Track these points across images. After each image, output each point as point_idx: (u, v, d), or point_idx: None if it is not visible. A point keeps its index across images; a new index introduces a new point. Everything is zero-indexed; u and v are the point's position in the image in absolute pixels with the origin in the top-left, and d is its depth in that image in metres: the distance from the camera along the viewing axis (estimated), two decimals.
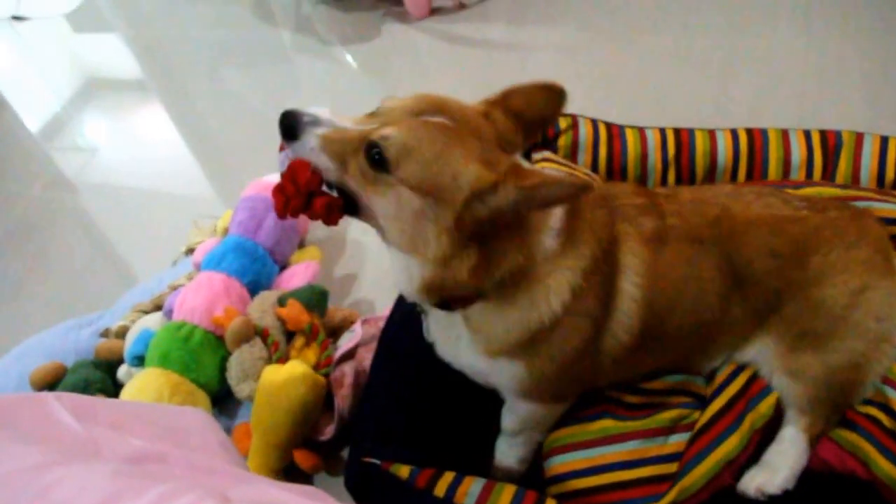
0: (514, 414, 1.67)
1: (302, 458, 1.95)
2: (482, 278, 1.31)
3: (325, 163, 1.26)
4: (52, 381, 2.15)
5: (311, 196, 1.27)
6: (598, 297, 1.43)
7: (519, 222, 1.30)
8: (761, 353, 1.60)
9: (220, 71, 4.13)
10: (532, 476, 1.74)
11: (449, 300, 1.38)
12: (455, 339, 1.52)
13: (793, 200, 1.57)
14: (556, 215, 1.36)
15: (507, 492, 1.52)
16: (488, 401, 1.69)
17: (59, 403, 1.12)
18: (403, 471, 1.57)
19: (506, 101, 1.36)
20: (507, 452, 1.73)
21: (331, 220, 1.31)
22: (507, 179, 1.19)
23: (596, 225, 1.43)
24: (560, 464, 1.68)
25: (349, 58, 3.90)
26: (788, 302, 1.52)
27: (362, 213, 1.32)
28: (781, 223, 1.51)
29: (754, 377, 1.63)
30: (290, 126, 1.26)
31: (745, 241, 1.50)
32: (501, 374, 1.51)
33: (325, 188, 1.29)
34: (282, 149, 1.31)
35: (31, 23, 4.83)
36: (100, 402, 1.26)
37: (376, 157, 1.22)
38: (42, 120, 4.01)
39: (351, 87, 3.70)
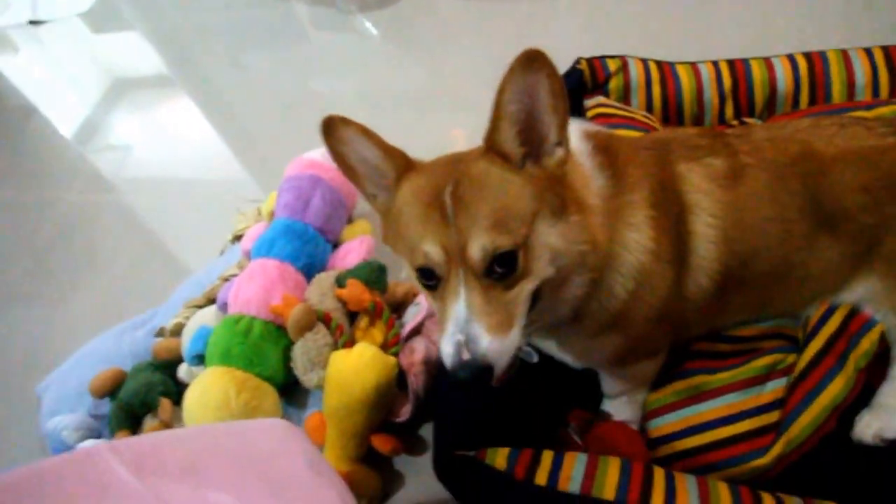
0: (613, 377, 1.63)
1: (380, 443, 1.87)
2: (605, 229, 1.29)
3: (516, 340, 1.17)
4: (112, 388, 2.10)
5: None
6: (672, 239, 1.38)
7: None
8: (866, 293, 1.52)
9: (241, 54, 4.05)
10: None
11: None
12: (558, 336, 1.48)
13: (877, 127, 1.46)
14: (583, 153, 1.34)
15: (613, 466, 1.42)
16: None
17: (115, 457, 0.98)
18: (500, 459, 1.47)
19: None
20: (615, 415, 1.66)
21: None
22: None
23: (642, 162, 1.40)
24: (658, 427, 1.63)
25: (370, 26, 3.78)
26: (888, 238, 1.43)
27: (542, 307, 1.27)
28: (870, 155, 1.41)
29: (853, 313, 1.54)
30: (475, 375, 1.11)
31: (833, 179, 1.41)
32: (602, 348, 1.48)
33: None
34: None
35: (48, 26, 4.77)
36: (166, 439, 1.10)
37: (504, 265, 1.14)
38: (71, 121, 3.95)
39: (375, 56, 3.62)
